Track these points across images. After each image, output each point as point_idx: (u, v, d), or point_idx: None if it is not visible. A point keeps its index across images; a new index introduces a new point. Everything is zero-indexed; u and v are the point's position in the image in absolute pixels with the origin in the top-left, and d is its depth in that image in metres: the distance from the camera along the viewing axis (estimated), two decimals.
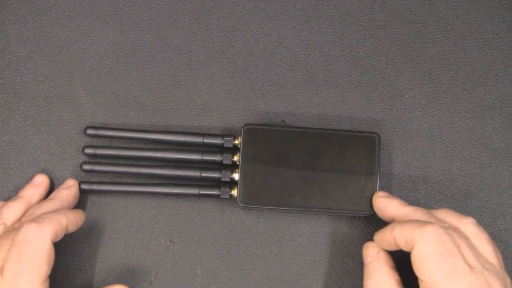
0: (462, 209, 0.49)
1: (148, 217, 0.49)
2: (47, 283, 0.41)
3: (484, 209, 0.50)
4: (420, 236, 0.40)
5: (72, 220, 0.44)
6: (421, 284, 0.40)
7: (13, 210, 0.45)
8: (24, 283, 0.39)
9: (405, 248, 0.41)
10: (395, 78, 0.52)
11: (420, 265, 0.40)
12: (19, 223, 0.44)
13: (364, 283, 0.44)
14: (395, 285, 0.42)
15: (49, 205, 0.45)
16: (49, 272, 0.41)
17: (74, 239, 0.48)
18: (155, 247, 0.49)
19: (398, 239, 0.42)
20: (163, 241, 0.49)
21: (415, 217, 0.43)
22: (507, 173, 0.50)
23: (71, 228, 0.44)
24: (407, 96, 0.51)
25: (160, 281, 0.48)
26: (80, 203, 0.49)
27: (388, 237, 0.42)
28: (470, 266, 0.39)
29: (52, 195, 0.47)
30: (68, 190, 0.47)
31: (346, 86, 0.51)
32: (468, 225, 0.43)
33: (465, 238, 0.41)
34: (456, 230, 0.42)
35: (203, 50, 0.52)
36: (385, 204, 0.45)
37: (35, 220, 0.42)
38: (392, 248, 0.43)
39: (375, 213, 0.47)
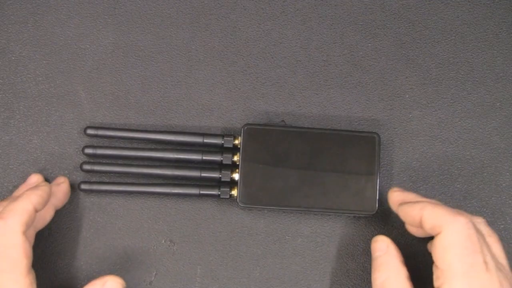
0: (462, 209, 0.49)
1: (148, 217, 0.49)
2: (32, 274, 0.40)
3: (484, 209, 0.50)
4: (449, 224, 0.40)
5: (38, 200, 0.42)
6: (436, 271, 0.40)
7: None
8: (7, 281, 0.39)
9: (428, 230, 0.41)
10: (395, 78, 0.52)
11: (443, 253, 0.40)
12: None
13: (372, 277, 0.43)
14: (404, 280, 0.42)
15: None
16: (30, 264, 0.40)
17: (74, 239, 0.48)
18: (155, 247, 0.49)
19: (425, 219, 0.41)
20: (163, 241, 0.49)
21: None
22: (507, 173, 0.50)
23: (56, 202, 0.43)
24: (407, 96, 0.51)
25: (160, 281, 0.48)
26: (80, 203, 0.49)
27: (415, 213, 0.42)
28: (486, 265, 0.39)
29: None
30: (58, 187, 0.47)
31: (346, 86, 0.51)
32: (480, 224, 0.43)
33: (483, 236, 0.41)
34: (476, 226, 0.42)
35: (203, 50, 0.52)
36: (403, 197, 0.45)
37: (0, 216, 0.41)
38: (413, 224, 0.43)
39: (375, 213, 0.47)
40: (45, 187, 0.44)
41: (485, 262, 0.39)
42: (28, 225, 0.41)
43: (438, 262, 0.40)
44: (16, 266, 0.40)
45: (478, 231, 0.41)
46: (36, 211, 0.42)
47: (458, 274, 0.39)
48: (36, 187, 0.44)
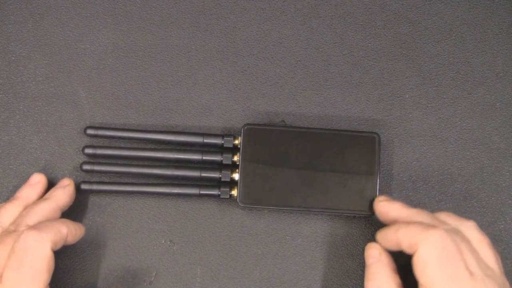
0: (462, 209, 0.49)
1: (148, 217, 0.49)
2: None
3: (484, 209, 0.50)
4: (423, 240, 0.40)
5: (72, 231, 0.44)
6: None
7: (10, 212, 0.45)
8: None
9: (407, 250, 0.41)
10: (395, 78, 0.52)
11: (422, 269, 0.40)
12: (14, 225, 0.43)
13: (365, 285, 0.43)
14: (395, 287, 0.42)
15: (44, 205, 0.45)
16: (49, 280, 0.41)
17: None
18: (155, 247, 0.49)
19: (401, 240, 0.41)
20: (163, 241, 0.49)
21: (418, 219, 0.43)
22: (507, 173, 0.50)
23: (70, 239, 0.44)
24: (407, 96, 0.51)
25: (160, 281, 0.48)
26: (80, 203, 0.49)
27: (392, 237, 0.42)
28: (471, 273, 0.39)
29: (48, 194, 0.47)
30: (64, 190, 0.47)
31: (346, 86, 0.51)
32: (469, 229, 0.42)
33: (467, 242, 0.41)
34: (458, 233, 0.41)
35: (203, 50, 0.52)
36: (387, 208, 0.45)
37: (35, 227, 0.41)
38: (394, 248, 0.43)
39: (374, 213, 0.47)
40: (83, 228, 0.46)
41: (468, 270, 0.39)
42: (56, 246, 0.42)
43: (420, 279, 0.40)
44: (37, 278, 0.40)
45: (457, 239, 0.40)
46: (66, 239, 0.43)
47: (440, 287, 0.39)
48: (76, 222, 0.45)
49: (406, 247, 0.41)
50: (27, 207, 0.45)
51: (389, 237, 0.43)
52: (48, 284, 0.41)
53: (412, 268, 0.41)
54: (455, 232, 0.41)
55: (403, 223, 0.43)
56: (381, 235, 0.44)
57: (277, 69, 0.51)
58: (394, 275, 0.43)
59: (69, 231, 0.43)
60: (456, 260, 0.39)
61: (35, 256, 0.40)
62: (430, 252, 0.40)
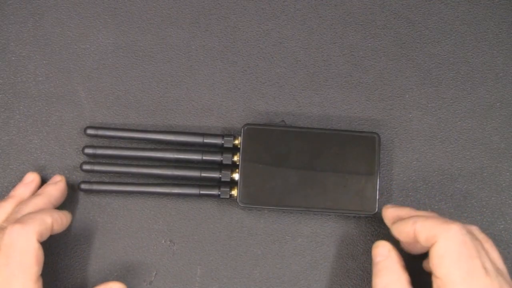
0: (462, 209, 0.49)
1: (148, 217, 0.49)
2: (40, 282, 0.41)
3: (484, 209, 0.50)
4: (443, 233, 0.40)
5: (57, 220, 0.43)
6: (435, 281, 0.40)
7: (4, 209, 0.45)
8: (16, 286, 0.39)
9: (424, 243, 0.41)
10: (395, 78, 0.52)
11: (439, 262, 0.40)
12: (6, 221, 0.44)
13: (373, 282, 0.43)
14: (405, 284, 0.42)
15: (35, 201, 0.45)
16: (40, 272, 0.41)
17: (74, 239, 0.48)
18: (155, 247, 0.49)
19: (419, 232, 0.41)
20: (163, 241, 0.49)
21: None
22: (507, 173, 0.50)
23: (57, 228, 0.43)
24: (407, 96, 0.51)
25: (160, 281, 0.48)
26: (80, 203, 0.49)
27: (409, 229, 0.42)
28: (486, 270, 0.39)
29: (39, 191, 0.47)
30: (55, 186, 0.47)
31: (346, 86, 0.51)
32: (474, 231, 0.43)
33: (479, 241, 0.41)
34: (471, 232, 0.42)
35: (203, 50, 0.52)
36: (398, 212, 0.45)
37: (18, 220, 0.41)
38: (409, 240, 0.42)
39: (375, 213, 0.47)
40: (69, 215, 0.46)
41: (484, 267, 0.39)
42: (42, 237, 0.42)
43: (436, 271, 0.40)
44: (27, 272, 0.40)
45: (473, 237, 0.41)
46: (53, 228, 0.43)
47: (457, 281, 0.39)
48: (61, 210, 0.45)
49: (423, 240, 0.41)
50: (20, 204, 0.45)
51: (406, 229, 0.42)
52: (40, 275, 0.41)
53: (429, 260, 0.40)
54: (468, 231, 0.41)
55: (421, 216, 0.42)
56: (397, 227, 0.43)
57: (277, 69, 0.51)
58: (403, 272, 0.42)
59: (54, 220, 0.43)
60: (473, 256, 0.39)
61: (22, 250, 0.40)
62: (449, 246, 0.39)
